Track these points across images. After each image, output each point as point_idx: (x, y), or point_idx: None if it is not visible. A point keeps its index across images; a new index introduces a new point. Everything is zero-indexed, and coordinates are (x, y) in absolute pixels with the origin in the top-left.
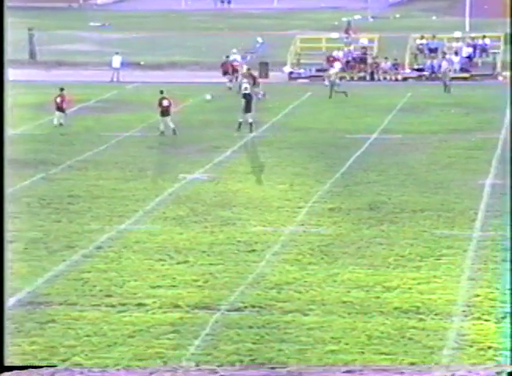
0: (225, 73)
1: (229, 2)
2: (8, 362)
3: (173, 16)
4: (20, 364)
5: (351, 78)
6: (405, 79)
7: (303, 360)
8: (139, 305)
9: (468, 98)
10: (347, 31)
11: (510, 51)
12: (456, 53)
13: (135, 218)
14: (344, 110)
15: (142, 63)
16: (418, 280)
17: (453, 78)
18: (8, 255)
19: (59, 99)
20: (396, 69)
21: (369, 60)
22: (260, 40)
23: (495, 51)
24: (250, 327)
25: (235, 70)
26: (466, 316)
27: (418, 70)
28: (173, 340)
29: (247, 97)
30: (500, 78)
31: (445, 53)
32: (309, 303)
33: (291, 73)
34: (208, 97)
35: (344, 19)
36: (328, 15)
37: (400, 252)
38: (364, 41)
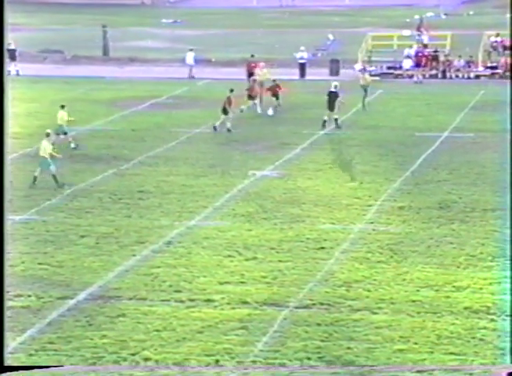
0: (250, 74)
1: None
2: (8, 362)
3: (244, 13)
4: (20, 364)
5: (423, 76)
6: (477, 77)
7: (371, 359)
8: (208, 300)
9: None
10: (419, 29)
11: (510, 50)
12: None
13: (204, 214)
14: (414, 108)
15: (213, 59)
16: (489, 280)
17: None
18: (79, 250)
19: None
20: (469, 67)
21: (442, 58)
22: (331, 37)
23: None
24: (319, 325)
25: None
26: None
27: (491, 68)
28: (241, 336)
29: (331, 95)
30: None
31: None
32: (378, 301)
33: (362, 70)
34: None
35: (417, 16)
36: (400, 12)
37: (471, 252)
38: (424, 37)
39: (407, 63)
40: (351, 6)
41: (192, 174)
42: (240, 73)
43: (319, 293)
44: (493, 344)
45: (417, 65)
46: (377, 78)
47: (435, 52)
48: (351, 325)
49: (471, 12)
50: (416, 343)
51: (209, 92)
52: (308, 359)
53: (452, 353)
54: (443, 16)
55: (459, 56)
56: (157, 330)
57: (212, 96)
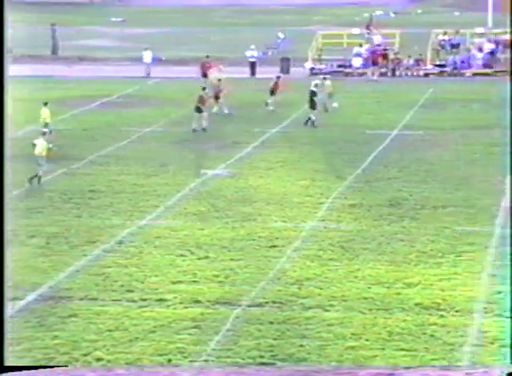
0: (205, 74)
1: None
2: (8, 362)
3: (194, 11)
4: (20, 364)
5: (373, 74)
6: (426, 75)
7: (323, 356)
8: (160, 300)
9: (490, 94)
10: (368, 27)
11: (510, 52)
12: (480, 49)
13: (156, 213)
14: (365, 106)
15: (163, 58)
16: (439, 277)
17: (476, 74)
18: (29, 250)
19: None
20: (418, 65)
21: (391, 56)
22: (281, 35)
23: None
24: (271, 323)
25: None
26: (487, 312)
27: (440, 66)
28: (194, 335)
29: (312, 94)
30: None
31: (469, 49)
32: (330, 299)
33: (312, 68)
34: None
35: (366, 14)
36: (349, 10)
37: (421, 248)
38: (377, 37)
39: (357, 62)
40: (301, 5)
41: (143, 173)
42: (192, 71)
43: (271, 291)
44: (443, 340)
45: (367, 63)
46: (327, 76)
47: (385, 50)
48: (303, 323)
49: (419, 11)
50: (367, 340)
51: (160, 91)
52: (261, 357)
53: (403, 349)
54: (392, 15)
55: (409, 56)
56: (109, 330)
57: (163, 95)
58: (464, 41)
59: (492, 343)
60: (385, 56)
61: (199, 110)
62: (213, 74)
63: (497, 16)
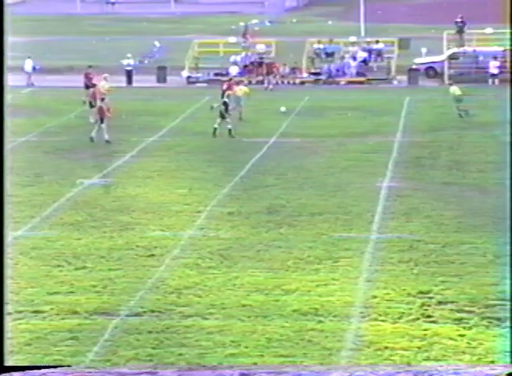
0: (87, 86)
1: (113, 4)
2: (8, 362)
3: (67, 19)
4: (20, 364)
5: (249, 82)
6: (302, 83)
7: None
8: (36, 312)
9: (364, 102)
10: (244, 36)
11: (509, 55)
12: (354, 57)
13: (31, 224)
14: (241, 114)
15: (37, 67)
16: (317, 283)
17: (350, 82)
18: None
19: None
20: (294, 73)
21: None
22: (157, 44)
23: (390, 55)
24: (150, 332)
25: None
26: (363, 317)
27: (315, 74)
28: (71, 346)
29: (226, 104)
30: (395, 82)
31: (343, 57)
32: (209, 307)
33: (189, 77)
34: (283, 109)
35: (242, 23)
36: (225, 19)
37: (299, 255)
38: (261, 46)
39: (234, 70)
40: (176, 13)
41: (18, 183)
42: (66, 80)
43: (149, 300)
44: (321, 345)
45: (244, 71)
46: (204, 85)
47: (261, 58)
48: (182, 331)
49: (295, 20)
50: (246, 347)
51: (33, 100)
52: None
53: (282, 356)
54: (267, 24)
55: (284, 64)
56: None
57: (37, 104)
58: (338, 49)
59: (368, 347)
60: (261, 65)
61: (101, 120)
62: (100, 84)
63: (369, 26)
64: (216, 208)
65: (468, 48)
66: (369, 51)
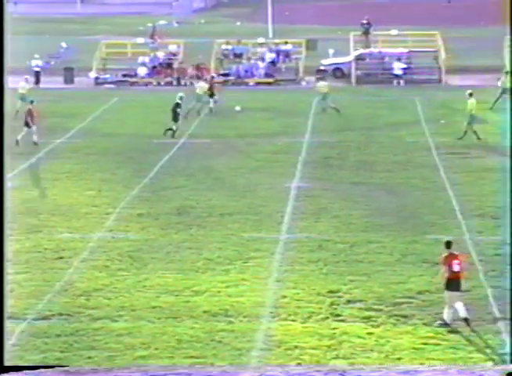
0: None
1: (15, 3)
2: (8, 362)
3: None
4: (20, 364)
5: (158, 84)
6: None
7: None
8: None
9: (273, 102)
10: (152, 37)
11: (510, 56)
12: (262, 59)
13: None
14: (151, 115)
15: None
16: (227, 283)
17: (258, 83)
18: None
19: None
20: (203, 74)
21: (176, 66)
22: (64, 45)
23: (298, 56)
24: (58, 336)
25: None
26: (273, 317)
27: (224, 74)
28: None
29: (177, 106)
30: (303, 83)
31: (252, 58)
32: (118, 309)
33: (97, 78)
34: (238, 109)
35: (150, 24)
36: (132, 20)
37: (209, 256)
38: (173, 46)
39: (142, 71)
40: (82, 14)
41: None
42: None
43: (58, 303)
44: (231, 345)
45: (152, 72)
46: (112, 86)
47: (169, 59)
48: (91, 334)
49: (203, 21)
50: (156, 349)
51: None
52: None
53: (192, 356)
54: (175, 25)
55: (193, 65)
56: None
57: None
58: (247, 50)
59: (278, 346)
60: (170, 66)
61: (27, 124)
62: (20, 85)
63: (277, 27)
64: (125, 210)
65: (374, 50)
66: (278, 52)
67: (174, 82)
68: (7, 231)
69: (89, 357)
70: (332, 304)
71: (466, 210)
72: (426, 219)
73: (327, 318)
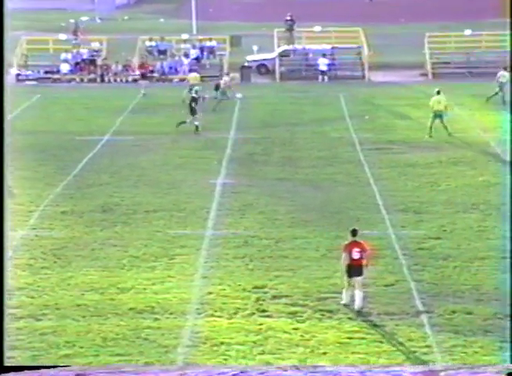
0: None
1: None
2: (8, 362)
3: None
4: (20, 364)
5: (81, 80)
6: (135, 80)
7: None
8: None
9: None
10: (75, 33)
11: (510, 54)
12: (186, 55)
13: None
14: (74, 112)
15: None
16: (152, 281)
17: (183, 79)
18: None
19: None
20: (126, 70)
21: (99, 62)
22: None
23: (222, 53)
24: None
25: None
26: (199, 313)
27: (148, 71)
28: None
29: (193, 100)
30: (227, 79)
31: (176, 55)
32: (42, 308)
33: (18, 75)
34: (239, 96)
35: (72, 20)
36: (54, 16)
37: (134, 253)
38: (96, 43)
39: (65, 67)
40: None
41: None
42: None
43: None
44: (157, 342)
45: (75, 69)
46: (35, 83)
47: (92, 56)
48: (14, 333)
49: (126, 17)
50: (81, 347)
51: None
52: None
53: (118, 354)
54: (98, 21)
55: (117, 61)
56: None
57: None
58: (171, 47)
59: (204, 343)
60: (93, 62)
61: None
62: None
63: (201, 24)
64: (49, 208)
65: (298, 46)
66: (202, 48)
67: (98, 79)
68: (7, 231)
69: (12, 357)
70: (258, 300)
71: (389, 205)
72: (350, 214)
73: (253, 314)
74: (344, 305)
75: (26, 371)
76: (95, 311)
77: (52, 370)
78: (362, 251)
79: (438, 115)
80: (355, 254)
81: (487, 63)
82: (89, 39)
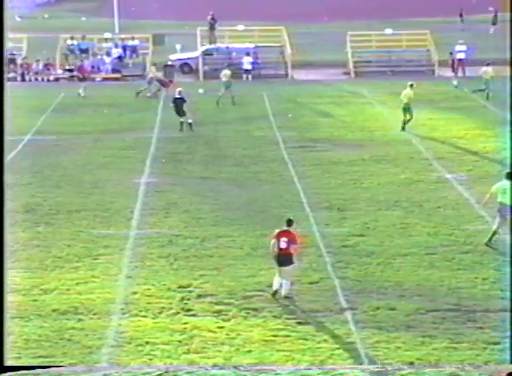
0: None
1: None
2: (8, 362)
3: None
4: (20, 364)
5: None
6: (56, 80)
7: None
8: None
9: (120, 98)
10: None
11: (510, 53)
12: (108, 54)
13: None
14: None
15: None
16: (76, 281)
17: (105, 79)
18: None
19: None
20: (48, 69)
21: (19, 61)
22: None
23: (145, 52)
24: None
25: None
26: (124, 313)
27: (70, 70)
28: None
29: (177, 101)
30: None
31: (98, 54)
32: None
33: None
34: (201, 91)
35: None
36: None
37: (57, 254)
38: (16, 42)
39: None
40: None
41: None
42: None
43: None
44: (81, 343)
45: None
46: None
47: (12, 55)
48: None
49: (46, 16)
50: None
51: None
52: None
53: (40, 356)
54: (18, 19)
55: (38, 60)
56: None
57: None
58: (92, 46)
59: (129, 343)
60: (12, 61)
61: None
62: None
63: (123, 22)
64: None
65: (221, 45)
66: (124, 47)
67: (19, 78)
68: (7, 231)
69: None
70: (183, 299)
71: (313, 203)
72: (275, 213)
73: (178, 313)
74: (275, 291)
75: (25, 371)
76: (17, 313)
77: (51, 370)
78: (291, 241)
79: (407, 108)
80: (282, 244)
81: (407, 62)
82: (9, 38)
